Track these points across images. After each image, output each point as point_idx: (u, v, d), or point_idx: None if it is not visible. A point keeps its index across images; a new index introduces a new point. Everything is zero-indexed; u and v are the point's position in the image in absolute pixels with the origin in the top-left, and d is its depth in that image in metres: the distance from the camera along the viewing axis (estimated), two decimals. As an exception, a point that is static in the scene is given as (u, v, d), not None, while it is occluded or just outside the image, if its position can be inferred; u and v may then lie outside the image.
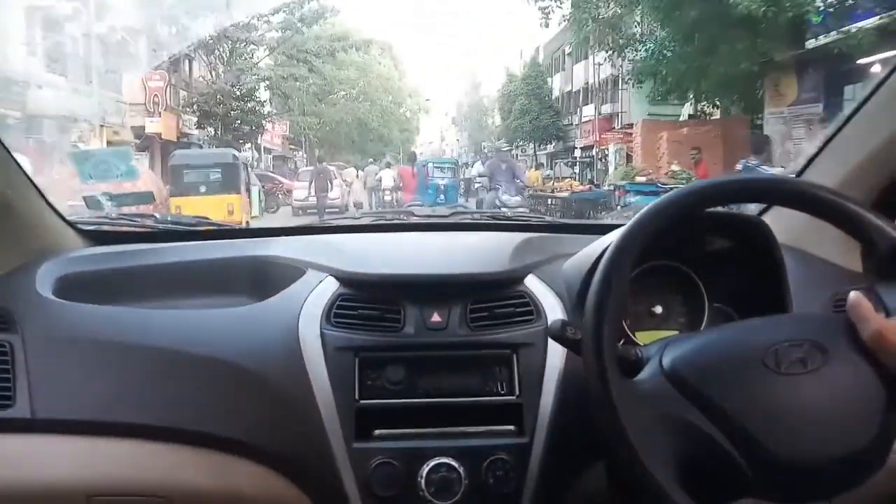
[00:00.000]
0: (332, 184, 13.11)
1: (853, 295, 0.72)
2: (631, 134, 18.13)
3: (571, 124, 27.57)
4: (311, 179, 12.89)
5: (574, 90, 27.71)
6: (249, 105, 19.30)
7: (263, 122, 21.47)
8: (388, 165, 13.27)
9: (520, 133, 27.46)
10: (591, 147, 23.46)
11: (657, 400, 0.73)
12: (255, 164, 22.53)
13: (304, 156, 34.43)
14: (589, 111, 24.74)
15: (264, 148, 26.72)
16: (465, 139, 46.88)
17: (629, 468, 0.72)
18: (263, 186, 14.91)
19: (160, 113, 16.83)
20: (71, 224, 1.32)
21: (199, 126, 18.74)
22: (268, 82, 22.26)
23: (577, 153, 25.63)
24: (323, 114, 35.53)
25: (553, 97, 27.97)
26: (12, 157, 1.15)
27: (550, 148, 29.24)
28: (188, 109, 18.72)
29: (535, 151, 28.44)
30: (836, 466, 0.69)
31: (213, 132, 18.83)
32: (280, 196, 17.43)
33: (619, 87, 20.77)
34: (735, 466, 0.71)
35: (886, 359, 0.68)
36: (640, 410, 0.72)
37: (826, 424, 0.70)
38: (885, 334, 0.67)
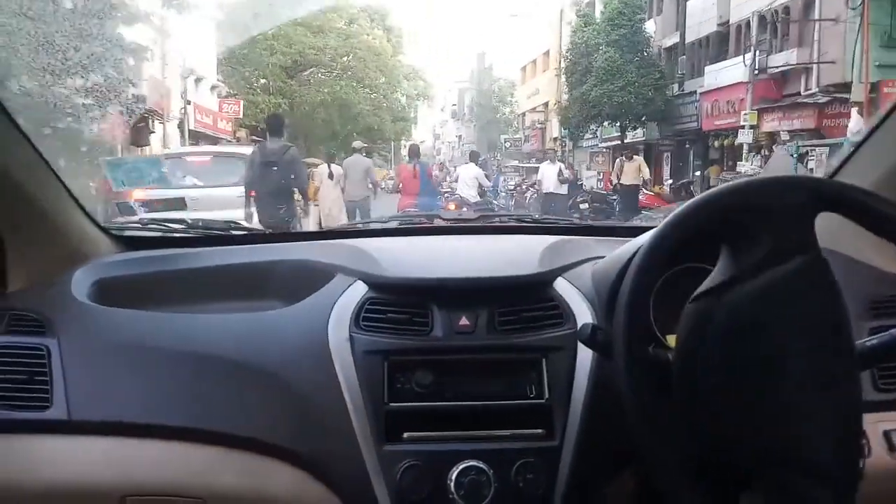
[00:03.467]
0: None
1: None
2: (827, 106, 14.14)
3: (682, 95, 20.73)
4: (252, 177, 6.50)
5: (690, 39, 20.63)
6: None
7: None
8: (360, 151, 9.58)
9: (604, 108, 20.52)
10: (726, 133, 17.78)
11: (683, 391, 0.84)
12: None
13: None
14: (729, 73, 17.63)
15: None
16: (470, 134, 44.75)
17: (656, 472, 0.84)
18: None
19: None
20: (104, 230, 1.54)
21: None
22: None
23: (709, 143, 19.41)
24: (293, 94, 32.24)
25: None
26: (48, 163, 1.33)
27: (641, 134, 22.63)
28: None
29: (622, 139, 21.70)
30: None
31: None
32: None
33: (816, 16, 14.47)
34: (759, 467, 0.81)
35: None
36: (668, 412, 0.82)
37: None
38: None
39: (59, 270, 1.37)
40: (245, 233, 1.77)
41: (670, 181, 19.11)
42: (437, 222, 1.90)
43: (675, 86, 20.25)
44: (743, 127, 15.17)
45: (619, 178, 13.19)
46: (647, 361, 0.88)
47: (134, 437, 1.20)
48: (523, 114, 36.91)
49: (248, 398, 1.20)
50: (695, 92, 19.39)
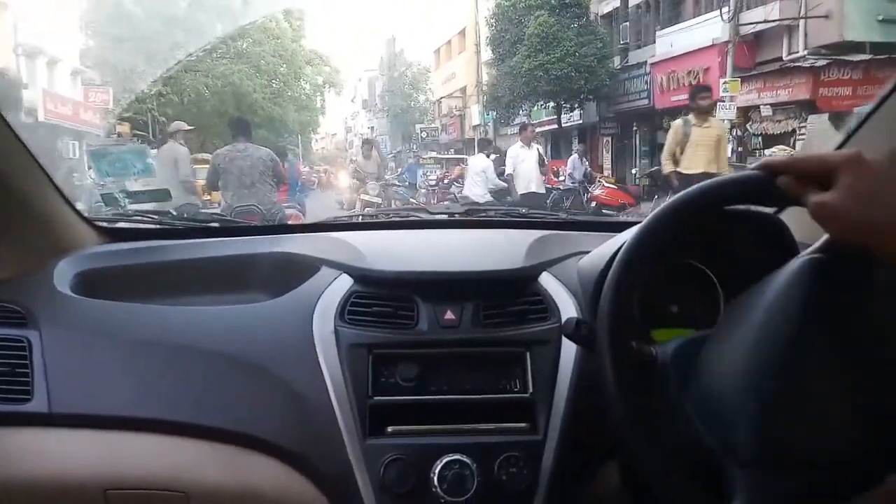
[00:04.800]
0: None
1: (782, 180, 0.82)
2: (823, 72, 11.66)
3: (628, 67, 17.97)
4: None
5: (634, 3, 17.93)
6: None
7: None
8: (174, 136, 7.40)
9: (539, 84, 17.64)
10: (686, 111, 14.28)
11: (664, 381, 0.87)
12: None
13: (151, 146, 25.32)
14: (690, 38, 14.94)
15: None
16: (383, 126, 42.42)
17: (639, 465, 0.85)
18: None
19: None
20: (88, 221, 1.56)
21: None
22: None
23: (663, 123, 15.93)
24: (177, 81, 27.76)
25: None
26: (31, 154, 1.34)
27: (577, 116, 19.77)
28: None
29: (559, 121, 19.30)
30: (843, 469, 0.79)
31: None
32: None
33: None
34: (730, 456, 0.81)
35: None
36: (652, 406, 0.84)
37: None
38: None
39: (41, 261, 1.39)
40: (229, 225, 1.80)
41: (609, 171, 17.58)
42: (424, 216, 1.89)
43: (617, 58, 16.77)
44: (722, 100, 11.63)
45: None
46: (631, 356, 0.90)
47: (116, 431, 1.21)
48: (439, 100, 35.33)
49: (231, 391, 1.22)
50: (643, 64, 16.94)
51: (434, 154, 27.49)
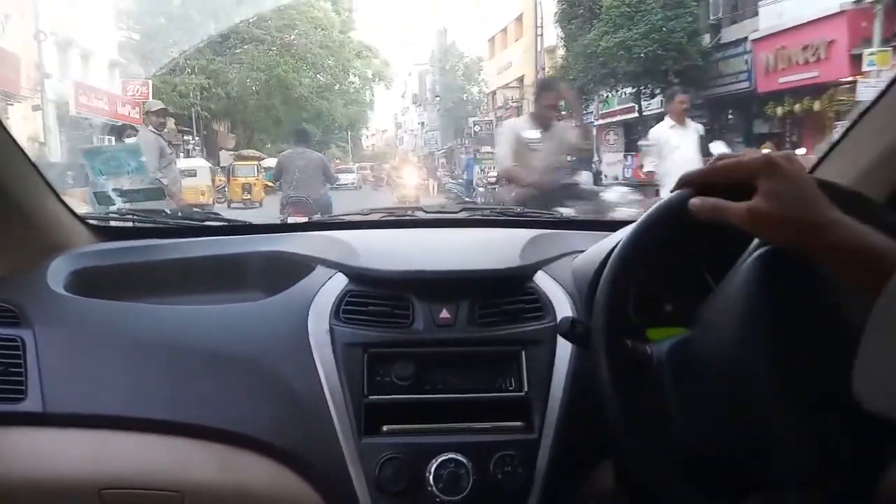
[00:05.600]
0: None
1: (694, 201, 0.84)
2: None
3: (722, 46, 15.09)
4: None
5: None
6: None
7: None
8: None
9: (619, 64, 15.09)
10: (798, 94, 12.39)
11: (659, 379, 0.88)
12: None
13: (195, 141, 26.95)
14: (808, 5, 12.10)
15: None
16: (434, 121, 41.20)
17: (634, 463, 0.86)
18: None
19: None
20: (81, 220, 1.58)
21: None
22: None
23: (766, 110, 13.72)
24: (220, 74, 27.45)
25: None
26: (24, 153, 1.35)
27: (658, 104, 15.99)
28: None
29: (639, 109, 16.49)
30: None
31: None
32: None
33: None
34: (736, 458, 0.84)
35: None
36: (646, 405, 0.86)
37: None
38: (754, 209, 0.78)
39: (35, 260, 1.41)
40: (224, 224, 1.79)
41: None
42: (419, 215, 1.91)
43: (706, 36, 14.09)
44: (865, 74, 9.04)
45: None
46: (626, 355, 0.91)
47: (111, 430, 1.23)
48: (493, 92, 33.64)
49: (226, 390, 1.23)
50: (742, 40, 14.66)
51: (488, 149, 26.20)
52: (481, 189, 15.99)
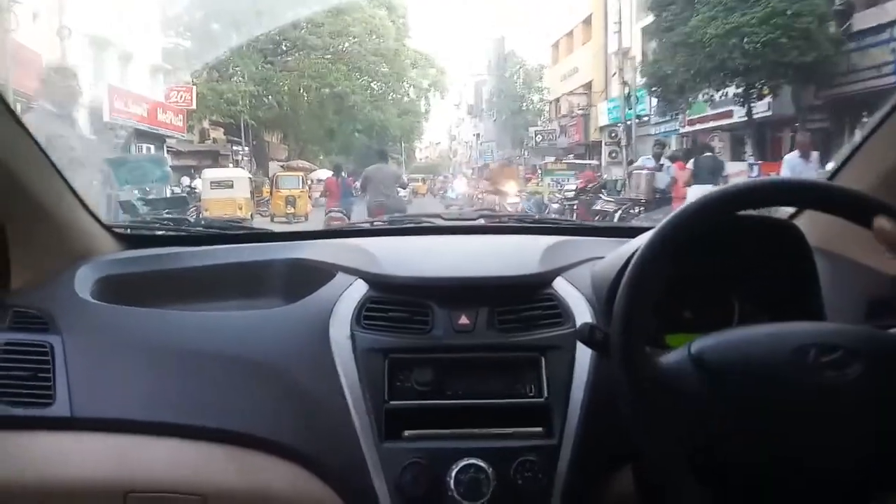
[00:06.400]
0: None
1: (880, 221, 0.85)
2: None
3: (854, 34, 12.31)
4: None
5: None
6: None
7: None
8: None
9: (732, 57, 12.25)
10: None
11: (679, 383, 0.88)
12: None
13: (244, 152, 25.72)
14: None
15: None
16: (490, 132, 39.38)
17: (654, 470, 0.89)
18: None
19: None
20: (107, 227, 1.63)
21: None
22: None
23: None
24: (271, 81, 25.95)
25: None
26: (50, 160, 1.40)
27: (765, 107, 13.95)
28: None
29: (749, 111, 13.74)
30: (855, 475, 0.83)
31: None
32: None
33: None
34: (756, 465, 0.85)
35: None
36: (666, 412, 0.86)
37: (854, 433, 0.83)
38: None
39: (62, 268, 1.47)
40: (246, 231, 1.86)
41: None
42: (438, 222, 1.92)
43: (831, 24, 11.62)
44: None
45: None
46: (644, 361, 0.91)
47: (137, 435, 1.27)
48: (557, 100, 32.04)
49: (249, 396, 1.27)
50: (888, 26, 11.64)
51: (565, 160, 24.48)
52: (555, 206, 13.62)
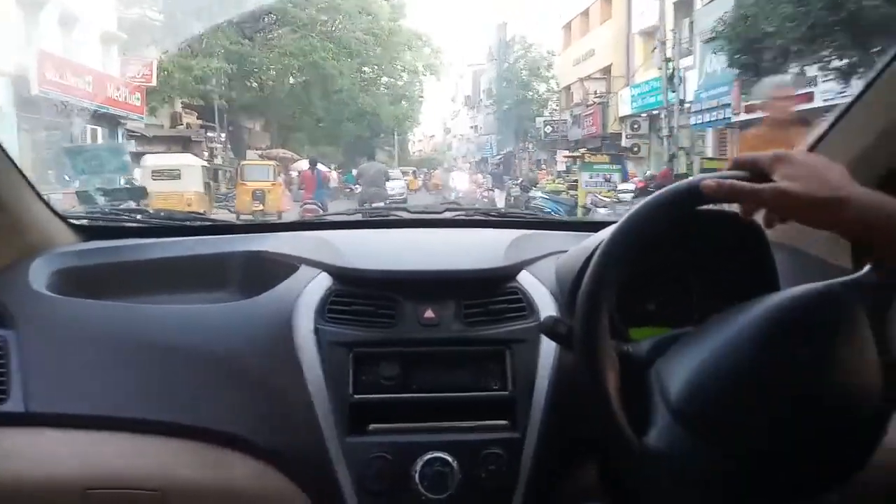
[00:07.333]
0: None
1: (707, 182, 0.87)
2: None
3: None
4: None
5: None
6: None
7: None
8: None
9: (840, 19, 8.54)
10: None
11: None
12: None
13: (219, 138, 22.45)
14: None
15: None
16: (489, 125, 36.27)
17: (617, 461, 0.91)
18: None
19: None
20: (63, 218, 1.63)
21: None
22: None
23: None
24: (248, 58, 23.04)
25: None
26: (5, 151, 1.37)
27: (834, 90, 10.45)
28: None
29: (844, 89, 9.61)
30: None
31: None
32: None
33: None
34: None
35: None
36: (628, 403, 0.89)
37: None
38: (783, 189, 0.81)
39: (17, 261, 1.45)
40: (207, 223, 1.83)
41: None
42: (404, 215, 1.93)
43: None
44: None
45: None
46: (607, 353, 0.93)
47: (95, 430, 1.27)
48: (568, 87, 29.28)
49: (210, 390, 1.28)
50: None
51: (566, 153, 23.16)
52: (602, 210, 10.39)
